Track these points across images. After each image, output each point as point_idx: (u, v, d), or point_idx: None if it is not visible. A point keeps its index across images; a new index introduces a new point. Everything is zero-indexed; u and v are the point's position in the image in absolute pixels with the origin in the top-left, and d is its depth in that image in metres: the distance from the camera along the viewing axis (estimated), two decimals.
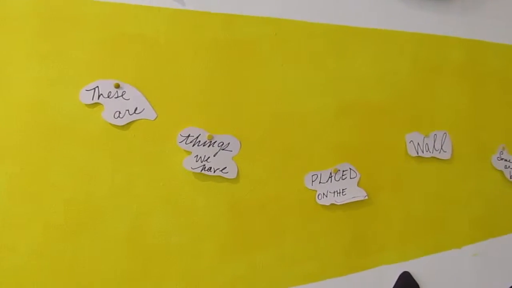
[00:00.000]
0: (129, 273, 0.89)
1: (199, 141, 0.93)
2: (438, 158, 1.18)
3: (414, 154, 1.14)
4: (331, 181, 1.05)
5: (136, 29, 0.90)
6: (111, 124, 0.88)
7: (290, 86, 1.02)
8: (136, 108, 0.90)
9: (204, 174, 0.94)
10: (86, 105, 0.86)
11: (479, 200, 1.23)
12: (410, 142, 1.14)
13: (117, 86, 0.88)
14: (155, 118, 0.91)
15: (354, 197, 1.07)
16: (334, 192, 1.05)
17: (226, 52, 0.97)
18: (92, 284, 0.87)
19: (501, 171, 1.26)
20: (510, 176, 1.26)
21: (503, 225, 1.26)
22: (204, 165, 0.93)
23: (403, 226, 1.13)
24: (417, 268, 1.14)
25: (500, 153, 1.26)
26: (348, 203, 1.07)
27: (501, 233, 1.26)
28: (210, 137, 0.94)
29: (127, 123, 0.89)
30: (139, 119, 0.90)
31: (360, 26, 1.11)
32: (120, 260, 0.88)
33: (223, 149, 0.95)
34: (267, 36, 1.01)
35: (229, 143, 0.96)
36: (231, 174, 0.96)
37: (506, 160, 1.26)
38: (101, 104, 0.87)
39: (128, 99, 0.89)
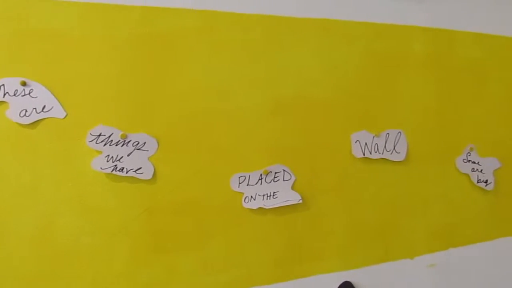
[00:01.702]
0: (36, 275, 0.87)
1: (111, 140, 0.90)
2: (389, 160, 1.08)
3: (359, 155, 1.05)
4: (261, 184, 0.99)
5: (45, 23, 0.87)
6: (17, 123, 0.86)
7: (218, 82, 0.97)
8: (44, 106, 0.87)
9: (117, 175, 0.90)
10: None
11: (439, 206, 1.12)
12: (356, 142, 1.05)
13: (24, 84, 0.86)
14: (65, 117, 0.88)
15: (287, 200, 1.00)
16: (263, 195, 0.99)
17: (145, 46, 0.93)
18: None
19: (467, 175, 1.14)
20: (478, 180, 1.14)
21: (468, 234, 1.15)
22: (116, 165, 0.90)
23: (346, 232, 1.05)
24: (362, 278, 1.06)
25: (467, 155, 1.13)
26: (282, 207, 1.00)
27: (465, 242, 1.14)
28: (124, 136, 0.90)
29: (34, 122, 0.87)
30: (47, 118, 0.87)
31: (301, 16, 1.02)
32: (27, 261, 0.87)
33: (138, 149, 0.92)
34: (192, 29, 0.95)
35: (145, 143, 0.92)
36: (147, 175, 0.92)
37: (473, 163, 1.13)
38: (6, 102, 0.85)
39: (36, 97, 0.87)
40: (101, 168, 0.89)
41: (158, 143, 0.92)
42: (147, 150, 0.92)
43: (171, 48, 0.94)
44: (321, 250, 1.03)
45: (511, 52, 1.18)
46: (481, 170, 1.14)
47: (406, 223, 1.09)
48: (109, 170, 0.89)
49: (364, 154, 1.05)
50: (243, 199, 0.97)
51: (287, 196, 1.00)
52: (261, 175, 0.99)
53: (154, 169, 0.92)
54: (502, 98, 1.17)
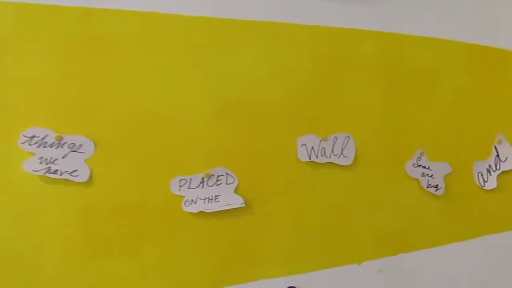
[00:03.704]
0: None
1: (46, 142, 0.88)
2: (337, 164, 1.07)
3: (305, 159, 1.04)
4: (202, 187, 0.98)
5: None
6: None
7: (159, 84, 0.95)
8: None
9: (51, 177, 0.89)
10: None
11: (388, 211, 1.11)
12: (302, 146, 1.04)
13: None
14: None
15: (229, 204, 0.99)
16: (205, 199, 0.98)
17: (84, 48, 0.91)
18: None
19: (417, 179, 1.13)
20: (428, 185, 1.13)
21: (418, 239, 1.14)
22: (50, 167, 0.88)
23: (291, 237, 1.04)
24: (307, 283, 1.05)
25: (417, 159, 1.13)
26: (225, 211, 0.98)
27: (415, 248, 1.13)
28: (59, 138, 0.89)
29: None
30: None
31: (248, 19, 1.02)
32: None
33: (74, 151, 0.90)
34: (133, 31, 0.94)
35: (81, 145, 0.90)
36: (82, 177, 0.90)
37: (424, 167, 1.13)
38: None
39: None
40: (33, 170, 0.87)
41: (95, 145, 0.91)
42: (84, 152, 0.91)
43: (111, 49, 0.93)
44: (265, 255, 1.02)
45: (461, 56, 1.18)
46: (432, 175, 1.14)
47: (354, 228, 1.08)
48: (42, 172, 0.88)
49: (310, 158, 1.04)
50: (183, 203, 0.96)
51: (230, 200, 0.99)
52: (203, 178, 0.97)
53: (91, 172, 0.91)
54: (452, 103, 1.17)
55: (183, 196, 0.96)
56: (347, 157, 1.07)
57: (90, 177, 0.91)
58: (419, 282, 1.13)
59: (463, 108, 1.18)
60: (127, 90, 0.93)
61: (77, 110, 0.91)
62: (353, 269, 1.08)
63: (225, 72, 1.00)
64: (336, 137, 1.07)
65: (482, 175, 1.20)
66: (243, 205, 0.99)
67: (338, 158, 1.07)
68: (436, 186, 1.14)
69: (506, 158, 1.22)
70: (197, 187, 0.97)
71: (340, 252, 1.07)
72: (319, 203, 1.05)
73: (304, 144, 1.04)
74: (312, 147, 1.05)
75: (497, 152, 1.22)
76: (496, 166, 1.21)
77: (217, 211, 0.98)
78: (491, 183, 1.21)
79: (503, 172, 1.23)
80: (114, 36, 0.93)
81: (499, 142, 1.22)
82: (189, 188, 0.97)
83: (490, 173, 1.21)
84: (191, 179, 0.97)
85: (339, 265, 1.07)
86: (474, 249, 1.20)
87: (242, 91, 1.01)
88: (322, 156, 1.05)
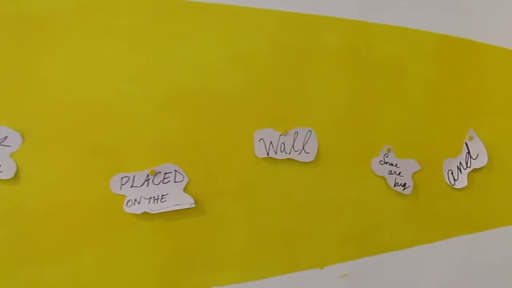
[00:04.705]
0: None
1: None
2: (297, 161, 0.99)
3: (263, 155, 0.96)
4: (147, 185, 0.88)
5: None
6: None
7: (97, 70, 0.86)
8: None
9: None
10: None
11: (352, 211, 1.04)
12: (259, 141, 0.96)
13: None
14: None
15: (177, 204, 0.89)
16: (150, 199, 0.88)
17: (10, 27, 0.81)
18: None
19: (384, 178, 1.06)
20: (395, 184, 1.06)
21: (384, 241, 1.07)
22: None
23: (247, 240, 0.95)
24: None
25: (383, 156, 1.06)
26: (173, 212, 0.89)
27: (381, 250, 1.06)
28: None
29: None
30: None
31: (201, 1, 0.93)
32: None
33: None
34: (66, 11, 0.84)
35: (6, 137, 0.80)
36: (7, 174, 0.80)
37: (391, 164, 1.06)
38: None
39: None
40: None
41: (22, 137, 0.81)
42: (9, 146, 0.80)
43: (42, 29, 0.83)
44: (218, 260, 0.93)
45: (430, 47, 1.11)
46: (399, 173, 1.07)
47: (316, 230, 1.00)
48: None
49: (268, 154, 0.96)
50: (125, 203, 0.86)
51: (178, 200, 0.90)
52: (148, 175, 0.88)
53: (17, 167, 0.80)
54: (421, 96, 1.11)
55: (125, 196, 0.87)
56: (308, 153, 1.00)
57: (17, 174, 0.80)
58: (385, 287, 1.06)
59: (432, 102, 1.12)
60: (61, 75, 0.84)
61: (1, 99, 0.80)
62: (314, 274, 1.00)
63: (176, 59, 0.91)
64: (297, 131, 0.99)
65: (452, 173, 1.14)
66: (193, 206, 0.90)
67: (299, 154, 0.99)
68: (404, 185, 1.08)
69: (477, 155, 1.16)
70: (141, 185, 0.88)
71: (300, 255, 0.99)
72: (277, 203, 0.97)
73: (262, 138, 0.96)
74: (271, 142, 0.96)
75: (468, 149, 1.16)
76: (467, 163, 1.16)
77: (164, 212, 0.88)
78: (462, 182, 1.15)
79: (474, 170, 1.17)
80: (46, 14, 0.83)
81: (470, 138, 1.16)
82: (132, 186, 0.87)
83: (460, 171, 1.15)
84: (134, 176, 0.87)
85: (300, 270, 0.99)
86: (443, 252, 1.14)
87: (194, 79, 0.92)
88: (282, 152, 0.97)
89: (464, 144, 1.16)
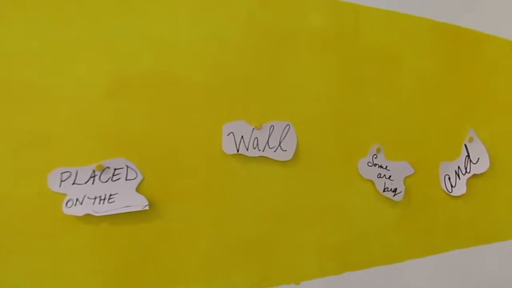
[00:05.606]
0: None
1: None
2: (273, 159, 0.86)
3: (232, 151, 0.83)
4: (93, 183, 0.75)
5: None
6: None
7: (35, 45, 0.73)
8: None
9: None
10: None
11: (334, 219, 0.92)
12: (228, 135, 0.83)
13: None
14: None
15: (128, 206, 0.77)
16: (95, 198, 0.75)
17: None
18: None
19: (372, 181, 0.94)
20: (384, 189, 0.94)
21: (369, 254, 0.94)
22: None
23: (211, 250, 0.83)
24: None
25: (372, 157, 0.93)
26: (122, 214, 0.76)
27: (366, 265, 0.94)
28: None
29: None
30: None
31: None
32: None
33: None
34: None
35: None
36: None
37: (380, 167, 0.94)
38: None
39: None
40: None
41: None
42: None
43: None
44: (175, 272, 0.80)
45: (428, 37, 1.00)
46: (389, 177, 0.95)
47: (292, 240, 0.88)
48: None
49: (238, 151, 0.83)
50: (64, 203, 0.73)
51: (129, 201, 0.77)
52: (94, 171, 0.75)
53: None
54: (416, 90, 0.99)
55: (65, 194, 0.74)
56: (285, 151, 0.87)
57: None
58: None
59: (428, 97, 1.01)
60: None
61: None
62: None
63: (131, 37, 0.78)
64: (272, 125, 0.86)
65: (449, 178, 1.03)
66: (147, 208, 0.77)
67: (275, 151, 0.86)
68: (395, 190, 0.96)
69: (478, 159, 1.05)
70: (85, 182, 0.75)
71: (273, 269, 0.87)
72: (247, 208, 0.85)
73: (231, 132, 0.83)
74: (242, 137, 0.84)
75: (468, 152, 1.04)
76: (466, 168, 1.04)
77: (111, 215, 0.75)
78: (460, 189, 1.04)
79: (474, 175, 1.05)
80: None
81: (470, 139, 1.04)
82: (74, 183, 0.75)
83: (458, 176, 1.04)
84: (77, 171, 0.75)
85: (272, 285, 0.86)
86: (437, 267, 1.03)
87: (152, 63, 0.80)
88: (254, 148, 0.85)
89: (463, 146, 1.05)
